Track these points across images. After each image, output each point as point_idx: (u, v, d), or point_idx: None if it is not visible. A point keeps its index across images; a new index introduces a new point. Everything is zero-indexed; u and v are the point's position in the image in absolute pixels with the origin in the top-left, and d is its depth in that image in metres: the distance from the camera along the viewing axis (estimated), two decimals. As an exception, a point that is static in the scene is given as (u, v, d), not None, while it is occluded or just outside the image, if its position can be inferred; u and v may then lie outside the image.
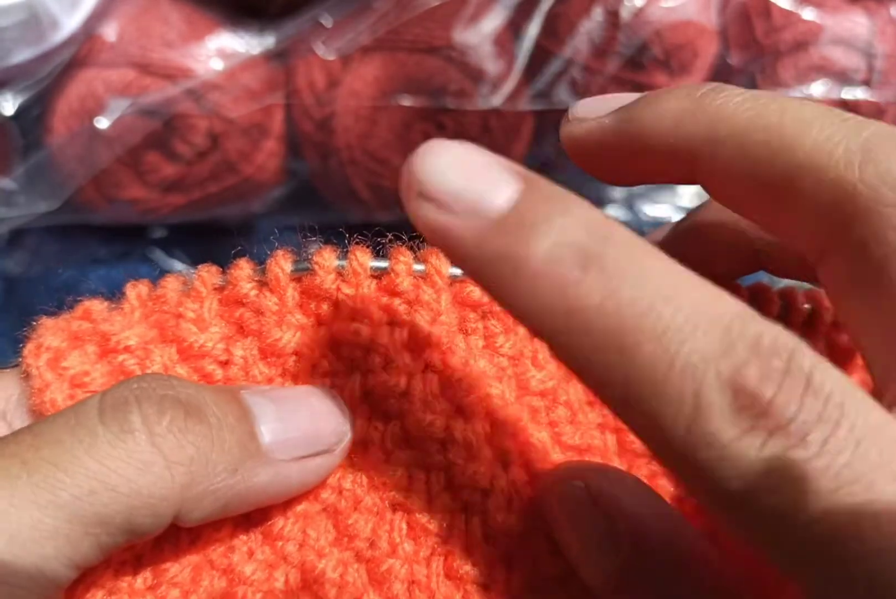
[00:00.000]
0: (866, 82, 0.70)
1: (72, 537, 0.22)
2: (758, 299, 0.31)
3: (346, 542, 0.29)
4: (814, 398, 0.19)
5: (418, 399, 0.29)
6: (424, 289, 0.29)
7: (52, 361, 0.28)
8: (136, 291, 0.30)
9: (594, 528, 0.26)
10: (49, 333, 0.29)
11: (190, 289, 0.30)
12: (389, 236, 0.30)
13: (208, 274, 0.30)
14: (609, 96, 0.28)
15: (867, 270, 0.23)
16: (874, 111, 0.72)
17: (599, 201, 0.80)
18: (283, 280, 0.29)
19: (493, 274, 0.20)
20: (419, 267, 0.30)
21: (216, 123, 0.63)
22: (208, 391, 0.26)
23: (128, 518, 0.23)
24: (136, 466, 0.23)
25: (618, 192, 0.80)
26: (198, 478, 0.24)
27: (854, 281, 0.23)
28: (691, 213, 0.33)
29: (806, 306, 0.32)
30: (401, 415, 0.29)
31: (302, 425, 0.27)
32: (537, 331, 0.21)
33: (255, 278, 0.30)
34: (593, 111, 0.28)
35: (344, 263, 0.30)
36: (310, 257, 0.30)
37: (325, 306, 0.29)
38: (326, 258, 0.29)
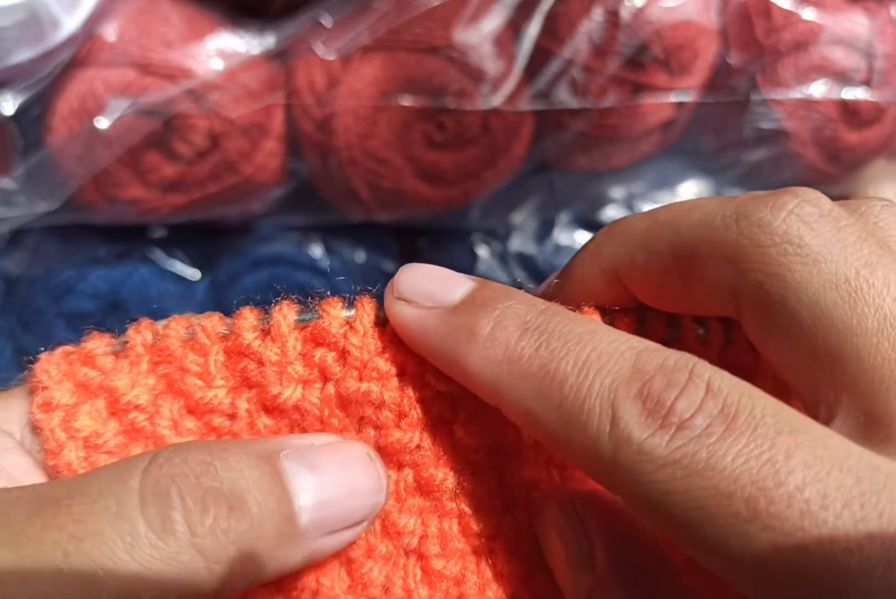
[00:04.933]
0: (866, 82, 0.70)
1: None
2: (730, 332, 0.32)
3: (361, 590, 0.29)
4: (713, 398, 0.23)
5: (431, 451, 0.30)
6: None
7: (63, 421, 0.28)
8: (140, 338, 0.29)
9: (576, 547, 0.28)
10: (54, 384, 0.28)
11: (194, 338, 0.29)
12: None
13: (212, 324, 0.30)
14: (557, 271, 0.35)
15: (771, 308, 0.26)
16: (874, 111, 0.72)
17: (599, 202, 0.80)
18: (286, 328, 0.29)
19: (454, 342, 0.27)
20: None
21: (216, 123, 0.63)
22: (249, 469, 0.25)
23: None
24: (177, 567, 0.23)
25: (617, 192, 0.80)
26: (235, 572, 0.24)
27: (765, 322, 0.27)
28: (567, 265, 0.36)
29: None
30: (414, 465, 0.30)
31: (340, 501, 0.27)
32: (487, 382, 0.26)
33: (259, 327, 0.29)
34: (546, 284, 0.34)
35: (351, 313, 0.29)
36: (316, 306, 0.30)
37: (329, 359, 0.29)
38: (334, 305, 0.29)
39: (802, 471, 0.22)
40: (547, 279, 0.35)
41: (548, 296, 0.33)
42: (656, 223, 0.29)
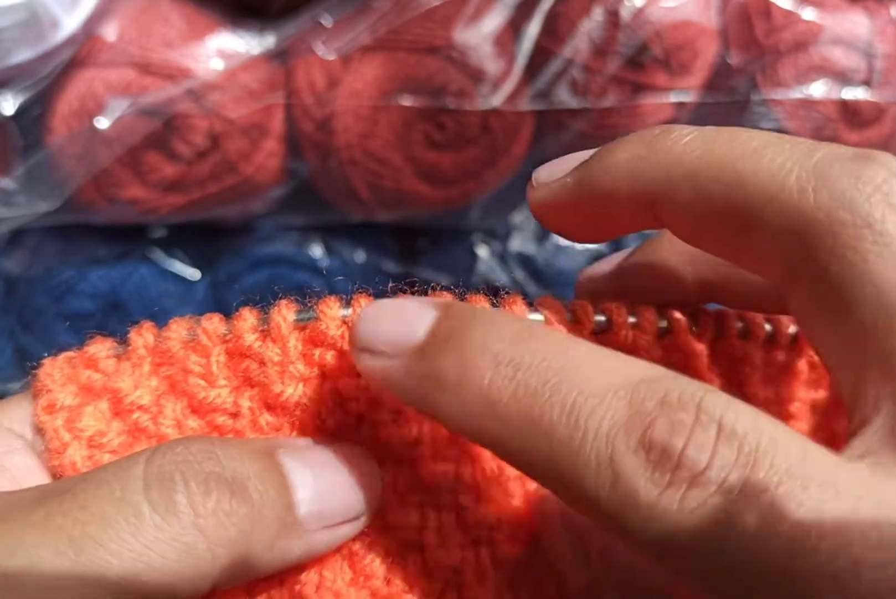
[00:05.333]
0: (866, 82, 0.70)
1: None
2: (721, 324, 0.32)
3: (363, 582, 0.29)
4: (727, 443, 0.20)
5: (429, 446, 0.30)
6: None
7: (67, 421, 0.28)
8: (142, 340, 0.30)
9: (571, 543, 0.28)
10: (58, 386, 0.29)
11: (195, 340, 0.30)
12: (391, 284, 0.30)
13: (213, 326, 0.30)
14: (568, 157, 0.29)
15: (829, 293, 0.23)
16: (874, 111, 0.72)
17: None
18: (285, 328, 0.29)
19: (423, 393, 0.24)
20: None
21: (216, 123, 0.63)
22: (250, 460, 0.26)
23: (168, 594, 0.23)
24: (180, 549, 0.23)
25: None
26: (237, 558, 0.24)
27: (818, 306, 0.24)
28: (637, 249, 0.34)
29: (767, 326, 0.33)
30: (412, 460, 0.30)
31: (337, 494, 0.27)
32: (468, 433, 0.23)
33: (259, 328, 0.30)
34: (555, 174, 0.29)
35: (348, 312, 0.29)
36: (314, 306, 0.30)
37: (328, 357, 0.29)
38: (331, 306, 0.29)
39: (834, 535, 0.19)
40: (557, 166, 0.29)
41: (559, 195, 0.29)
42: (712, 156, 0.25)
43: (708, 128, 0.26)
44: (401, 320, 0.25)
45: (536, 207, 0.30)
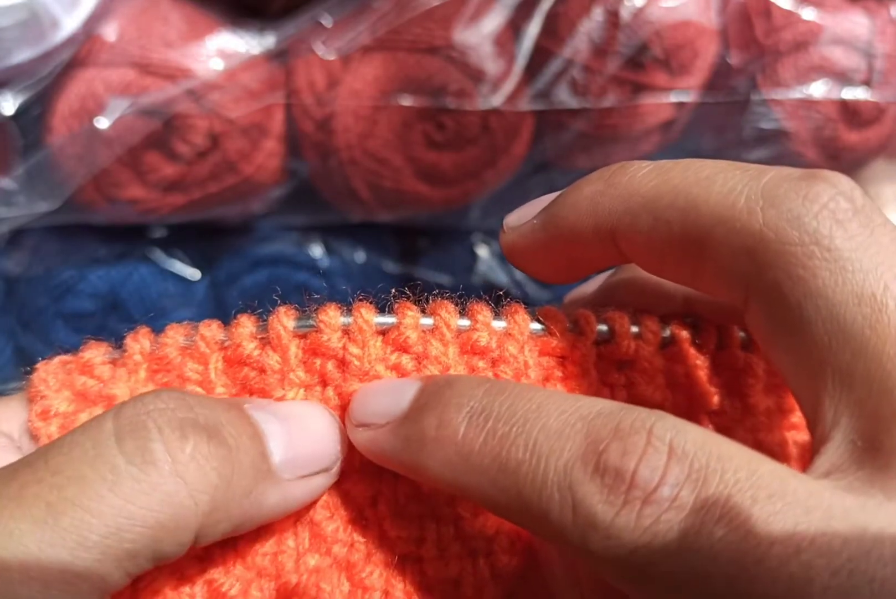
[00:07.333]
0: (866, 82, 0.70)
1: (102, 572, 0.22)
2: (724, 334, 0.32)
3: (361, 594, 0.29)
4: (678, 463, 0.21)
5: None
6: (433, 343, 0.29)
7: (61, 428, 0.28)
8: (138, 345, 0.29)
9: (562, 565, 0.28)
10: (52, 392, 0.29)
11: (192, 346, 0.29)
12: (393, 290, 0.30)
13: (211, 333, 0.29)
14: (536, 200, 0.31)
15: (783, 310, 0.24)
16: (874, 111, 0.72)
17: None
18: (286, 338, 0.29)
19: (408, 454, 0.25)
20: (426, 321, 0.30)
21: (216, 123, 0.63)
22: (221, 410, 0.25)
23: (154, 549, 0.23)
24: (161, 498, 0.23)
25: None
26: (218, 504, 0.24)
27: (773, 323, 0.25)
28: (617, 270, 0.35)
29: None
30: None
31: (307, 444, 0.27)
32: (449, 486, 0.25)
33: (258, 336, 0.29)
34: (524, 217, 0.30)
35: (349, 320, 0.29)
36: (313, 313, 0.29)
37: (330, 366, 0.29)
38: (331, 316, 0.29)
39: (784, 543, 0.20)
40: (525, 210, 0.31)
41: (528, 236, 0.30)
42: (667, 186, 0.26)
43: (663, 161, 0.27)
44: (389, 396, 0.27)
45: (507, 250, 0.31)
